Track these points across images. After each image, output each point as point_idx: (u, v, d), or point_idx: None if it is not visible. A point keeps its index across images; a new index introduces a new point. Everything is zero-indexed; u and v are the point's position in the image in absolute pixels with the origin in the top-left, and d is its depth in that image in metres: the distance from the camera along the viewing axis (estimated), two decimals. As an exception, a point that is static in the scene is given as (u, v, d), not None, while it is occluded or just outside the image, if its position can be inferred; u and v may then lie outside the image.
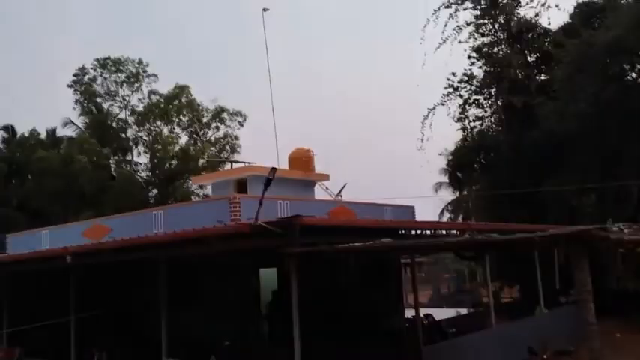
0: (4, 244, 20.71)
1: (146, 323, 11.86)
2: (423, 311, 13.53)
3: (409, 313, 17.05)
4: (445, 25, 23.17)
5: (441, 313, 16.58)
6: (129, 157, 35.82)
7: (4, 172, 32.85)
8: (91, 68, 34.59)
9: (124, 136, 35.46)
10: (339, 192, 18.60)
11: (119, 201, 29.88)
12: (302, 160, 18.45)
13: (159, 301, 10.35)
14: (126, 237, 10.64)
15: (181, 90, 34.88)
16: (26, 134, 34.32)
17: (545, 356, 13.07)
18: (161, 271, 10.36)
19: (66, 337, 12.01)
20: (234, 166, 21.34)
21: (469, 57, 23.62)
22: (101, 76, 34.75)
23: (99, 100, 35.09)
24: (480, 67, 23.67)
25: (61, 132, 35.87)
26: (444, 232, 12.18)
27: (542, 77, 22.83)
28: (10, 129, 35.26)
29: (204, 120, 35.86)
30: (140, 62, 35.19)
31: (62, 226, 19.69)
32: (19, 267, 13.22)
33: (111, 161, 34.46)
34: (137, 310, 14.44)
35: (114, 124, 35.56)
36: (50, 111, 61.69)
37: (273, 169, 9.18)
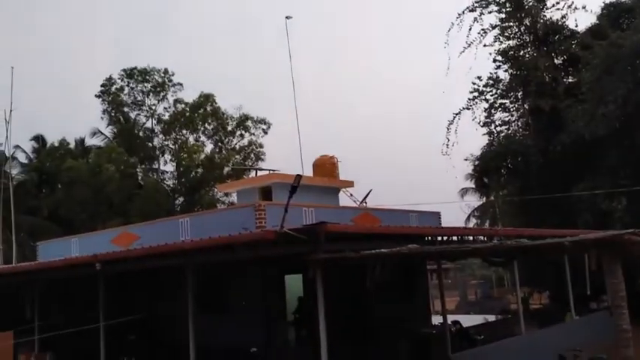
0: (34, 252, 21.16)
1: (174, 330, 11.95)
2: (450, 318, 13.34)
3: (436, 319, 16.86)
4: (470, 29, 23.01)
5: (468, 320, 16.31)
6: (155, 166, 36.35)
7: (34, 181, 33.57)
8: (118, 78, 35.29)
9: (150, 144, 36.00)
10: (364, 198, 18.54)
11: (146, 209, 30.29)
12: (326, 166, 18.46)
13: (186, 308, 10.40)
14: (154, 244, 10.75)
15: (206, 99, 35.29)
16: (56, 144, 35.04)
17: (577, 364, 12.77)
18: (188, 278, 10.43)
19: (95, 344, 12.16)
20: (259, 173, 21.47)
21: (494, 60, 23.39)
22: (128, 86, 35.41)
23: (126, 109, 35.72)
24: (506, 71, 23.42)
25: (90, 141, 36.60)
26: (470, 238, 12.04)
27: (570, 80, 22.46)
28: (40, 139, 36.05)
29: (229, 128, 36.19)
30: (166, 72, 35.77)
31: (91, 233, 20.02)
32: (50, 274, 13.45)
33: (138, 170, 34.98)
34: (165, 316, 14.58)
35: (140, 133, 36.13)
36: (79, 121, 62.94)
37: (299, 176, 9.17)
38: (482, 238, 11.91)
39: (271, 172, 18.43)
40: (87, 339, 12.08)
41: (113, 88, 35.17)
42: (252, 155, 36.03)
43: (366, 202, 18.16)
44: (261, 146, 36.21)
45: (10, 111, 23.28)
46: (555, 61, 23.15)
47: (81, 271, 12.06)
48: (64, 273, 12.98)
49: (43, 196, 33.82)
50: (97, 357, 12.13)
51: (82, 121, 64.03)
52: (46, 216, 31.94)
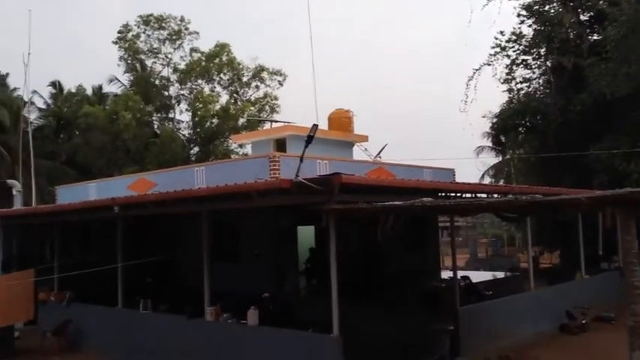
0: (53, 196, 21.58)
1: (189, 274, 12.26)
2: (460, 274, 13.49)
3: (446, 274, 17.08)
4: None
5: (477, 277, 16.49)
6: (171, 115, 36.41)
7: (52, 126, 33.89)
8: (135, 25, 34.95)
9: (166, 93, 35.95)
10: (379, 153, 18.49)
11: (161, 157, 30.57)
12: (341, 120, 18.36)
13: (201, 254, 10.64)
14: (170, 191, 10.90)
15: (222, 48, 34.93)
16: (73, 90, 35.13)
17: (584, 321, 12.95)
18: (203, 225, 10.61)
19: (113, 285, 12.54)
20: (274, 125, 21.43)
21: (518, 15, 22.77)
22: (144, 33, 35.09)
23: (142, 57, 35.53)
24: (530, 26, 22.81)
25: (107, 88, 36.66)
26: (484, 195, 12.04)
27: (595, 37, 21.83)
28: (57, 84, 36.15)
29: (244, 79, 35.95)
30: (182, 19, 35.35)
31: (108, 179, 20.34)
32: (69, 216, 13.76)
33: (154, 118, 35.10)
34: (181, 261, 14.95)
35: (157, 82, 36.03)
36: (95, 69, 62.75)
37: (315, 126, 9.15)
38: (495, 195, 11.92)
39: (286, 124, 18.40)
40: (105, 280, 12.45)
41: (129, 35, 34.89)
42: (267, 107, 35.90)
43: (380, 157, 18.13)
44: (276, 98, 36.02)
45: (29, 54, 23.24)
46: (581, 17, 22.46)
47: (99, 214, 12.32)
48: (83, 215, 13.27)
49: (60, 142, 34.21)
50: (115, 297, 12.52)
51: (99, 69, 63.92)
52: (63, 161, 32.39)
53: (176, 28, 35.18)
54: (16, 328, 13.84)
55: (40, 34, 57.01)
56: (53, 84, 36.20)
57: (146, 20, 34.77)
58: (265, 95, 36.05)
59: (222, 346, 10.13)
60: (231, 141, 33.66)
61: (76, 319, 13.30)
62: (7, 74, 34.94)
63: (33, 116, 33.43)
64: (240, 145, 32.73)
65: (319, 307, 9.50)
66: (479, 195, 11.92)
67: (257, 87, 36.21)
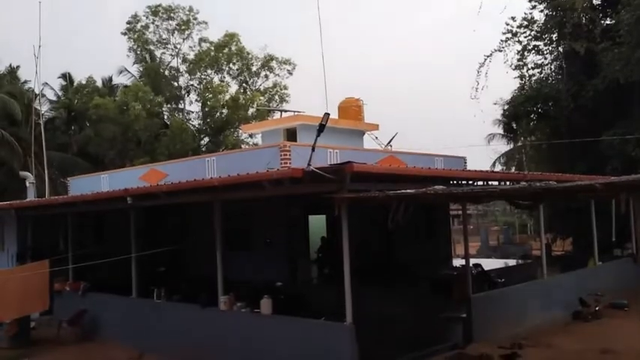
0: (65, 188, 21.76)
1: (202, 264, 12.35)
2: (471, 261, 13.47)
3: (457, 262, 17.06)
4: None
5: (489, 264, 16.46)
6: (181, 106, 36.48)
7: (63, 118, 34.06)
8: (144, 15, 34.96)
9: (176, 84, 36.01)
10: (389, 142, 18.45)
11: (172, 148, 30.68)
12: (351, 109, 18.32)
13: (214, 244, 10.70)
14: (182, 180, 10.96)
15: (231, 38, 34.88)
16: (83, 82, 35.25)
17: (597, 308, 12.89)
18: (216, 214, 10.66)
19: (127, 274, 12.66)
20: (284, 114, 21.41)
21: (530, 0, 22.47)
22: (153, 23, 35.12)
23: (151, 47, 35.57)
24: (542, 11, 22.49)
25: (117, 80, 36.73)
26: (496, 183, 11.97)
27: (608, 22, 21.52)
28: (67, 76, 36.28)
29: (254, 69, 35.90)
30: (190, 9, 35.32)
31: (120, 170, 20.47)
32: (83, 207, 13.87)
33: (164, 109, 35.17)
34: (193, 251, 15.05)
35: (166, 72, 36.09)
36: (105, 60, 62.89)
37: (327, 114, 9.14)
38: (508, 183, 11.85)
39: (296, 113, 18.38)
40: (119, 270, 12.57)
41: (138, 26, 34.93)
42: (276, 97, 35.87)
43: (391, 146, 18.08)
44: (285, 88, 35.98)
45: (39, 46, 23.32)
46: (593, 1, 22.12)
47: (113, 204, 12.42)
48: (96, 206, 13.38)
49: (72, 133, 34.39)
50: (129, 287, 12.65)
51: (109, 61, 64.06)
52: (75, 152, 32.57)
53: (185, 18, 35.16)
54: (32, 319, 14.03)
55: (50, 27, 57.22)
56: (64, 76, 36.33)
57: (155, 11, 34.77)
58: (275, 85, 36.01)
59: (235, 335, 10.21)
60: (241, 131, 33.69)
61: (91, 309, 13.46)
62: (18, 67, 35.14)
63: (44, 108, 33.62)
64: (251, 135, 32.75)
65: (332, 296, 9.54)
66: (490, 182, 11.85)
67: (266, 76, 36.19)
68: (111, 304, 13.18)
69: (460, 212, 15.53)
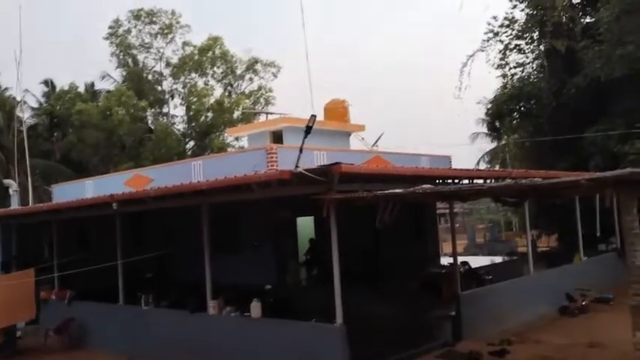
0: (49, 195, 21.50)
1: (189, 268, 12.27)
2: (459, 259, 13.55)
3: (445, 260, 17.16)
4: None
5: (476, 262, 16.58)
6: (165, 110, 36.29)
7: (46, 125, 33.71)
8: (126, 20, 34.73)
9: (159, 88, 35.81)
10: (375, 142, 18.55)
11: (157, 153, 30.50)
12: (337, 110, 18.35)
13: (201, 248, 10.65)
14: (168, 185, 10.88)
15: (214, 41, 34.79)
16: (65, 87, 34.91)
17: (583, 303, 13.05)
18: (203, 218, 10.61)
19: (114, 281, 12.55)
20: (270, 117, 21.37)
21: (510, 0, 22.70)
22: (135, 27, 34.89)
23: (134, 52, 35.33)
24: (522, 10, 22.73)
25: (99, 85, 36.44)
26: (481, 181, 12.06)
27: (588, 20, 21.80)
28: (49, 83, 35.91)
29: (238, 72, 35.84)
30: (173, 13, 35.19)
31: (105, 176, 20.29)
32: (67, 214, 13.72)
33: (148, 113, 34.95)
34: (180, 255, 14.95)
35: (149, 77, 35.88)
36: (87, 66, 62.30)
37: (313, 116, 9.14)
38: (493, 180, 11.94)
39: (282, 115, 18.37)
40: (105, 277, 12.45)
41: (121, 30, 34.69)
42: (261, 100, 35.85)
43: (377, 146, 18.15)
44: (270, 90, 36.01)
45: (20, 51, 23.02)
46: (573, 0, 22.42)
47: (98, 211, 12.30)
48: (81, 213, 13.24)
49: (55, 140, 34.04)
50: (116, 294, 12.53)
51: (91, 66, 63.42)
52: (58, 159, 32.26)
53: (167, 22, 34.98)
54: (18, 328, 13.84)
55: (30, 33, 56.54)
56: (45, 82, 35.97)
57: (137, 15, 34.58)
58: (260, 87, 35.99)
59: (226, 340, 10.16)
60: (227, 134, 33.60)
61: (78, 317, 13.31)
62: (-1, 74, 34.69)
63: (26, 115, 33.26)
64: (237, 138, 32.69)
65: (321, 297, 9.54)
66: (476, 181, 11.94)
67: (251, 79, 36.15)
68: (98, 312, 13.04)
69: (447, 211, 15.62)
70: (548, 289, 13.16)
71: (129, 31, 34.81)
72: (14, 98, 30.55)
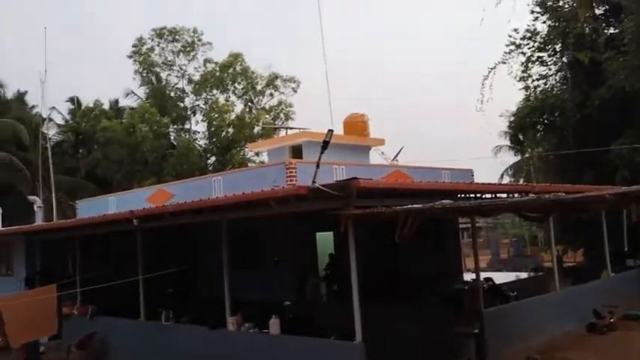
0: (74, 211, 21.80)
1: (210, 284, 12.27)
2: (482, 275, 13.29)
3: (468, 276, 16.86)
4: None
5: (500, 277, 16.25)
6: (187, 126, 36.74)
7: (71, 142, 34.35)
8: (149, 38, 35.37)
9: (182, 105, 36.28)
10: (395, 156, 18.43)
11: (179, 168, 30.81)
12: (357, 125, 18.30)
13: (221, 264, 10.63)
14: (189, 200, 10.93)
15: (235, 58, 35.17)
16: (90, 105, 35.59)
17: (612, 320, 12.66)
18: (222, 234, 10.61)
19: (135, 297, 12.59)
20: (289, 132, 21.44)
21: (532, 12, 22.49)
22: (158, 46, 35.53)
23: (157, 69, 35.93)
24: (544, 22, 22.48)
25: (123, 102, 37.11)
26: (504, 195, 11.86)
27: (612, 31, 21.48)
28: (75, 100, 36.66)
29: (259, 87, 36.14)
30: (195, 31, 35.72)
31: (127, 192, 20.50)
32: (90, 230, 13.86)
33: (170, 130, 35.41)
34: (201, 271, 14.97)
35: (172, 94, 36.40)
36: (112, 83, 63.60)
37: (330, 131, 9.10)
38: (516, 195, 11.73)
39: (301, 130, 18.39)
40: (127, 292, 12.51)
41: (144, 49, 35.33)
42: (281, 115, 36.04)
43: (397, 160, 18.04)
44: (290, 105, 36.21)
45: (45, 71, 23.58)
46: (596, 11, 22.12)
47: (119, 227, 12.39)
48: (103, 229, 13.36)
49: (80, 156, 34.65)
50: (137, 309, 12.56)
51: (115, 84, 64.72)
52: (83, 175, 32.79)
53: (189, 40, 35.53)
54: (41, 343, 13.95)
55: (56, 50, 57.96)
56: (71, 99, 36.74)
57: (160, 33, 35.20)
58: (280, 103, 36.21)
59: (245, 356, 10.08)
60: (247, 149, 33.81)
61: (100, 332, 13.37)
62: (26, 92, 35.56)
63: (52, 132, 33.97)
64: (257, 154, 32.85)
65: (341, 314, 9.41)
66: (499, 195, 11.74)
67: (271, 95, 36.40)
68: (119, 327, 13.09)
69: (469, 225, 15.39)
70: (575, 305, 12.81)
71: (152, 49, 35.44)
72: (40, 115, 31.22)
